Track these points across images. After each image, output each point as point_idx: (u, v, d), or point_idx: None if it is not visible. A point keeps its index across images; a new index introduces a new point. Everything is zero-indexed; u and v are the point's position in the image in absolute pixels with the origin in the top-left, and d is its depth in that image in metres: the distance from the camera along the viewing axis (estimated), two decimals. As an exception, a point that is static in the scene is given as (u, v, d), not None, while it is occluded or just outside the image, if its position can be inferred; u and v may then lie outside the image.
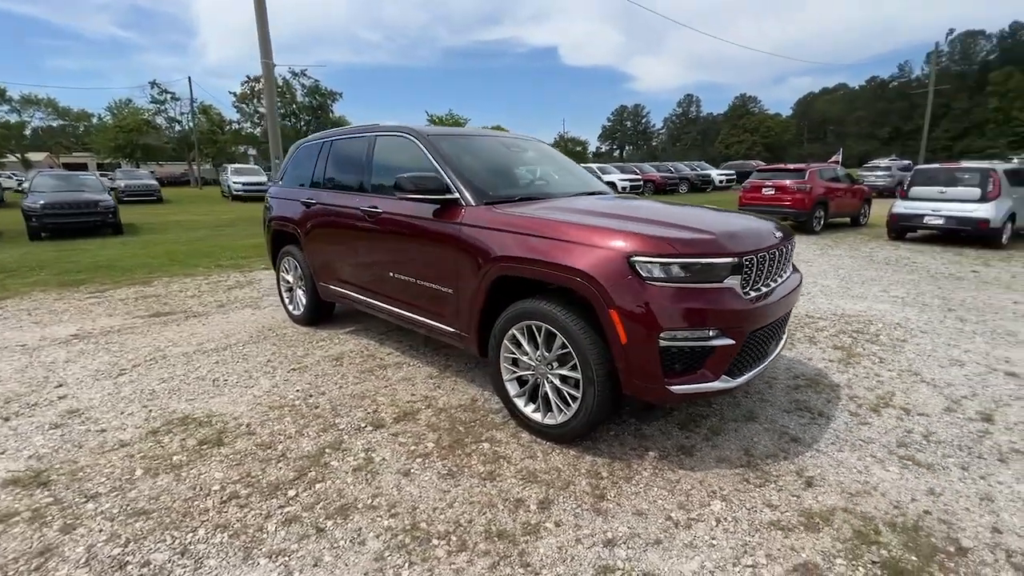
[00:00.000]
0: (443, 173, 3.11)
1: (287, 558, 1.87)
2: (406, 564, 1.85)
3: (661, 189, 23.68)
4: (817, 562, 1.86)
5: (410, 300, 3.41)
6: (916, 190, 9.69)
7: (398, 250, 3.42)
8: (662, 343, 2.21)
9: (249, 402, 3.14)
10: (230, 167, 26.48)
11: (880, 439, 2.68)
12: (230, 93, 56.62)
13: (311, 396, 3.22)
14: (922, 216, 9.38)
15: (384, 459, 2.52)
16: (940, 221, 9.14)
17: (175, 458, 2.52)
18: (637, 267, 2.24)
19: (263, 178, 23.31)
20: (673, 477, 2.38)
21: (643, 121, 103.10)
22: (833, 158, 17.70)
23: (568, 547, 1.93)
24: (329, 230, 4.10)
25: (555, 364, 2.58)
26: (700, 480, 2.35)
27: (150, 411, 3.02)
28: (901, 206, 9.75)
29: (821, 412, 2.97)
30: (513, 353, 2.76)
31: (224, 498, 2.21)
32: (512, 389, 2.81)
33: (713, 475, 2.38)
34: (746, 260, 2.38)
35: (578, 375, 2.44)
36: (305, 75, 44.22)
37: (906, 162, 23.65)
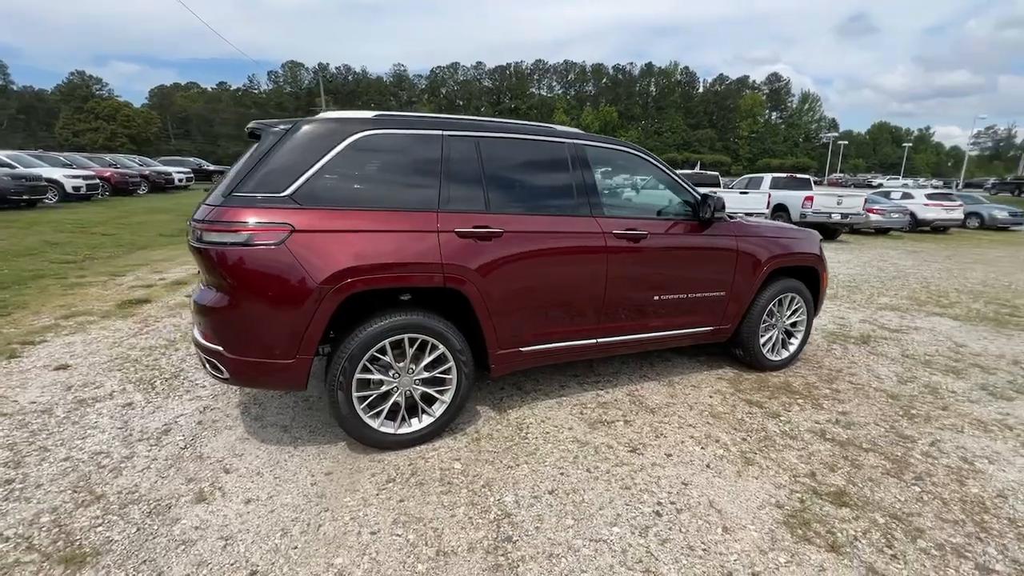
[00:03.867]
0: (699, 190, 3.49)
1: None
2: None
3: (122, 190, 18.33)
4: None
5: (672, 318, 3.45)
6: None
7: (673, 271, 3.36)
8: (824, 285, 4.31)
9: None
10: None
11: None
12: None
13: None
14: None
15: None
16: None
17: None
18: (820, 249, 4.15)
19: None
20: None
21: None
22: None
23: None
24: (544, 269, 2.92)
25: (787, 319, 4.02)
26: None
27: None
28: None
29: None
30: (771, 318, 3.89)
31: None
32: (765, 348, 3.92)
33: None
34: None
35: (803, 317, 4.06)
36: None
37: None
